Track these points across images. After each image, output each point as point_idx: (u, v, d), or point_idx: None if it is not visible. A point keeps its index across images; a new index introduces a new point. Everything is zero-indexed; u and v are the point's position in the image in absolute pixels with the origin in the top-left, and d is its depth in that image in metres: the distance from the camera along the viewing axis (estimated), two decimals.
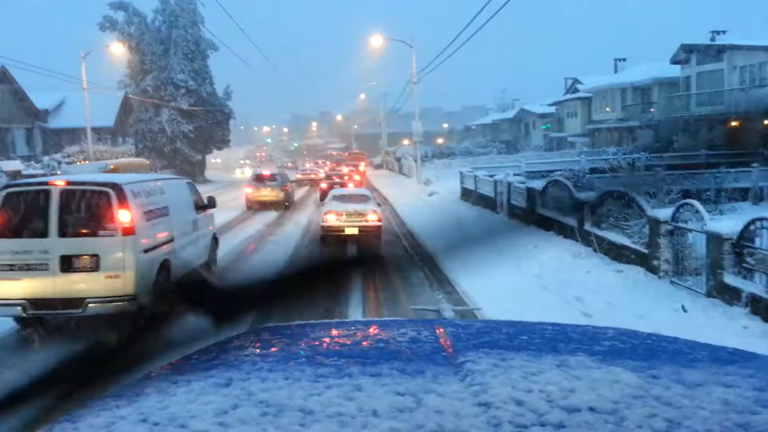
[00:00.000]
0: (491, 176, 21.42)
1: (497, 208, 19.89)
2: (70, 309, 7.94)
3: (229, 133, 58.74)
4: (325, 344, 1.58)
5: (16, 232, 7.96)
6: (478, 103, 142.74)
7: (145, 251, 8.44)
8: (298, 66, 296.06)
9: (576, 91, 49.62)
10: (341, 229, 15.71)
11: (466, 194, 25.02)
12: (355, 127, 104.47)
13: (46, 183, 8.32)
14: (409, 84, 40.07)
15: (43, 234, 7.91)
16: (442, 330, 1.62)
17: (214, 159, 74.80)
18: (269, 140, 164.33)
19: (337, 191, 18.74)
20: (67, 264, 7.89)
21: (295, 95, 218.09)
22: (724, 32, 34.31)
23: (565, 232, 13.64)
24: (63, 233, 7.93)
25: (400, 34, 37.30)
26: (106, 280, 7.93)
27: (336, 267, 2.40)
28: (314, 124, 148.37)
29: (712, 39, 34.38)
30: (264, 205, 25.86)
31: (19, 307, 7.87)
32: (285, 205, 26.59)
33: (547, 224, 15.02)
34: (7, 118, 40.49)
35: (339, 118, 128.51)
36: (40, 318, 8.40)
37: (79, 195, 8.10)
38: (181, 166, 49.62)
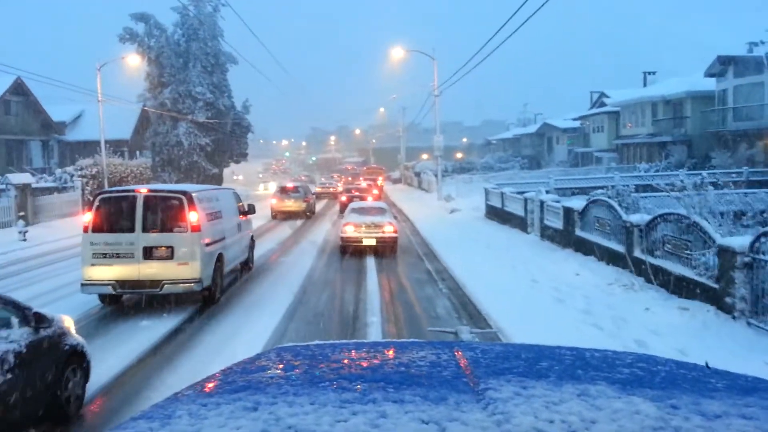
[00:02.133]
0: (520, 193, 20.06)
1: (528, 228, 18.49)
2: (150, 289, 9.99)
3: (247, 146, 58.09)
4: (346, 367, 1.60)
5: (108, 228, 9.99)
6: (497, 117, 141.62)
7: (207, 245, 10.47)
8: (317, 80, 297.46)
9: (602, 105, 48.07)
10: (359, 240, 16.50)
11: (492, 212, 23.63)
12: (374, 141, 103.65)
13: (132, 190, 10.42)
14: (430, 97, 38.97)
15: (130, 230, 9.93)
16: (461, 354, 1.65)
17: (235, 176, 74.31)
18: (287, 154, 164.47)
19: (356, 204, 19.59)
20: (149, 253, 9.92)
21: (314, 109, 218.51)
22: (762, 43, 32.66)
23: (609, 258, 12.21)
24: (145, 229, 9.97)
25: (420, 48, 36.16)
26: (178, 266, 9.95)
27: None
28: (332, 138, 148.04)
29: (749, 50, 32.75)
30: (287, 215, 28.01)
31: (110, 287, 9.94)
32: (307, 215, 28.75)
33: (586, 248, 13.59)
34: (22, 131, 40.14)
35: (357, 132, 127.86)
36: (119, 298, 10.57)
37: (158, 200, 10.18)
38: (197, 179, 48.83)
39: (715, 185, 13.24)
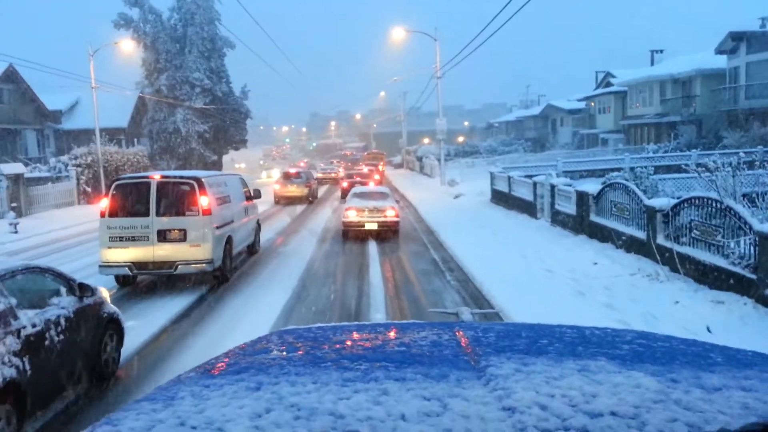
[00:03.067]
0: (528, 177, 19.24)
1: (537, 213, 17.70)
2: (164, 269, 10.49)
3: (246, 133, 57.21)
4: (348, 348, 1.63)
5: (124, 213, 10.40)
6: (498, 100, 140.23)
7: (217, 228, 10.92)
8: (317, 65, 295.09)
9: (608, 85, 46.98)
10: (361, 225, 16.59)
11: (498, 197, 22.82)
12: (375, 126, 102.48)
13: (147, 177, 10.77)
14: (432, 79, 37.98)
15: (145, 214, 10.37)
16: (462, 333, 1.67)
17: (237, 164, 73.53)
18: (287, 140, 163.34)
19: (358, 189, 19.46)
20: (163, 236, 10.38)
21: (314, 94, 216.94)
22: None
23: (629, 245, 11.43)
24: (159, 213, 10.42)
25: (420, 33, 35.06)
26: (191, 248, 10.42)
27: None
28: (333, 123, 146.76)
29: (762, 26, 31.66)
30: (290, 200, 28.78)
31: (127, 268, 10.41)
32: (309, 200, 29.46)
33: (602, 234, 12.81)
34: (15, 119, 39.26)
35: (358, 117, 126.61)
36: (134, 279, 11.20)
37: (171, 185, 10.63)
38: (196, 167, 48.02)
39: (750, 165, 12.34)
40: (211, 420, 1.11)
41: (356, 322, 3.02)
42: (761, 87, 29.20)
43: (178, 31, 50.84)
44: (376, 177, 36.13)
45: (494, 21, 19.27)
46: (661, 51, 44.11)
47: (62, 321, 5.65)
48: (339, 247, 15.96)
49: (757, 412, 1.04)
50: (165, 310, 9.65)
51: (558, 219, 15.77)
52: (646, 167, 15.83)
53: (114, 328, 6.79)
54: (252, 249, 14.68)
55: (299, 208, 26.97)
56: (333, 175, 46.95)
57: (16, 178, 25.92)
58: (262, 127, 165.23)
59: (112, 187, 10.79)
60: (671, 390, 1.14)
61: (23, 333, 5.00)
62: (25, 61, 32.46)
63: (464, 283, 11.13)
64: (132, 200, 10.55)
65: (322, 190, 37.70)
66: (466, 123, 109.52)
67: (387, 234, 16.94)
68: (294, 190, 29.11)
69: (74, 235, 20.38)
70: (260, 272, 12.83)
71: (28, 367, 4.92)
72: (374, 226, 16.58)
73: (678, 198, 10.33)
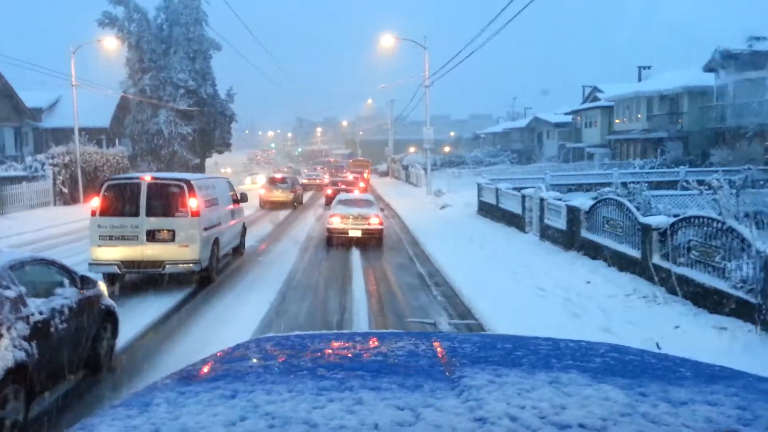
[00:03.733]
0: (517, 190, 18.88)
1: (525, 226, 17.31)
2: (152, 269, 10.61)
3: (230, 136, 56.41)
4: (325, 356, 1.63)
5: (115, 212, 10.55)
6: (485, 111, 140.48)
7: (205, 229, 11.10)
8: (304, 69, 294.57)
9: (595, 99, 47.05)
10: (345, 232, 16.55)
11: (486, 209, 22.44)
12: (361, 133, 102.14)
13: (137, 177, 11.03)
14: (419, 89, 37.68)
15: (135, 214, 10.51)
16: (438, 343, 1.68)
17: (224, 168, 72.59)
18: (273, 145, 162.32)
19: (343, 196, 19.51)
20: (152, 236, 10.51)
21: (301, 100, 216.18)
22: (764, 38, 31.73)
23: (622, 263, 11.04)
24: (149, 213, 10.55)
25: (409, 41, 34.72)
26: (179, 248, 10.54)
27: None
28: (319, 129, 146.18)
29: (750, 45, 31.80)
30: (275, 205, 28.74)
31: (116, 266, 10.48)
32: (294, 205, 29.61)
33: (594, 251, 12.42)
34: None
35: (344, 123, 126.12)
36: (122, 277, 11.03)
37: (161, 186, 10.79)
38: (178, 169, 47.12)
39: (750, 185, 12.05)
40: (185, 427, 1.12)
41: (335, 331, 2.88)
42: (748, 106, 29.25)
43: (164, 31, 50.07)
44: (361, 185, 36.08)
45: (484, 31, 19.14)
46: (649, 67, 44.29)
47: (66, 310, 5.94)
48: (322, 256, 15.44)
49: (719, 427, 1.08)
50: (150, 311, 9.64)
51: (547, 233, 15.38)
52: (639, 183, 15.49)
53: (110, 320, 7.10)
54: (237, 251, 14.94)
55: (284, 213, 26.92)
56: (318, 181, 47.32)
57: None
58: (247, 131, 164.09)
59: (104, 186, 10.92)
60: (639, 403, 1.16)
61: (32, 319, 5.31)
62: (2, 56, 31.56)
63: (452, 299, 10.65)
64: (122, 200, 10.74)
65: (306, 196, 37.55)
66: (452, 133, 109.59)
67: (371, 242, 16.84)
68: (279, 195, 29.23)
69: (47, 237, 19.60)
70: (242, 279, 12.63)
71: (35, 351, 5.19)
72: (358, 234, 16.53)
73: (675, 216, 9.96)
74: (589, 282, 10.43)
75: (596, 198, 12.83)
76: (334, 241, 16.83)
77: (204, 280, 11.40)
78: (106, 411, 1.27)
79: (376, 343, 1.82)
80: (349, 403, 1.16)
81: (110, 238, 10.54)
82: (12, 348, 4.88)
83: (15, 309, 5.13)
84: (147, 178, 10.94)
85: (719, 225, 8.45)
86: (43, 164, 31.49)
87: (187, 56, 49.65)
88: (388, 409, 1.13)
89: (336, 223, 16.68)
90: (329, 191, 30.82)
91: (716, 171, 26.78)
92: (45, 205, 29.81)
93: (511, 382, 1.26)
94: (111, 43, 36.80)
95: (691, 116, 34.43)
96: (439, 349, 1.62)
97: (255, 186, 42.31)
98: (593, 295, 9.58)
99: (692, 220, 9.14)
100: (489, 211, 21.76)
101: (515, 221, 18.29)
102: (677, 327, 7.70)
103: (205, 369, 1.54)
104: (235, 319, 9.10)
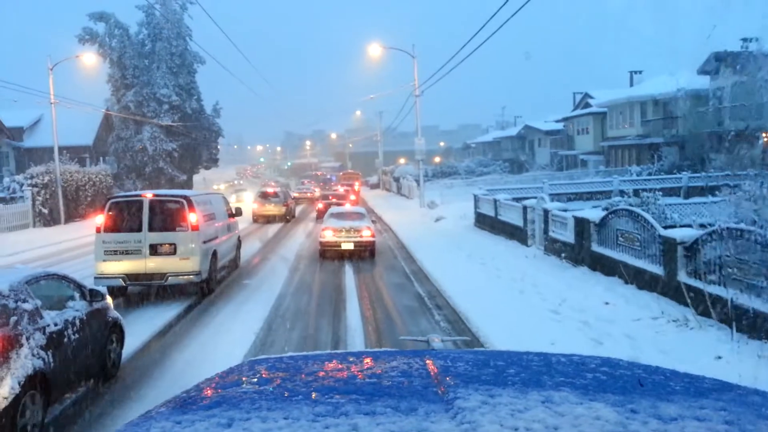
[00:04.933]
0: (516, 200, 17.97)
1: (527, 239, 16.37)
2: (156, 280, 11.11)
3: (217, 152, 55.37)
4: (319, 379, 1.62)
5: (119, 228, 11.05)
6: (474, 121, 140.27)
7: (204, 242, 11.58)
8: (291, 82, 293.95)
9: (587, 106, 46.46)
10: (338, 245, 16.62)
11: (483, 221, 21.50)
12: (350, 145, 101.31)
13: (139, 195, 11.61)
14: (409, 99, 36.86)
15: (138, 229, 11.02)
16: (431, 362, 1.69)
17: (216, 185, 71.38)
18: (262, 159, 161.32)
19: (335, 209, 19.50)
20: (154, 250, 10.99)
21: (289, 113, 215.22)
22: (756, 39, 31.20)
23: (641, 281, 10.09)
24: (151, 229, 11.06)
25: (397, 51, 33.90)
26: (180, 261, 11.02)
27: None
28: (308, 142, 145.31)
29: (744, 47, 31.25)
30: (268, 219, 29.27)
31: (120, 279, 11.03)
32: (287, 219, 30.04)
33: (607, 267, 11.47)
34: None
35: (333, 136, 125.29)
36: (125, 289, 11.63)
37: (162, 203, 11.32)
38: (164, 187, 45.93)
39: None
40: None
41: (328, 351, 2.90)
42: (746, 108, 28.62)
43: (146, 46, 49.05)
44: (352, 197, 35.65)
45: (473, 39, 18.66)
46: (640, 72, 43.79)
47: (77, 322, 6.31)
48: (314, 274, 14.41)
49: None
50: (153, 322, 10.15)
51: (553, 247, 14.44)
52: (653, 191, 14.57)
53: (117, 331, 7.46)
54: (233, 263, 15.32)
55: (277, 227, 27.31)
56: (309, 195, 47.68)
57: None
58: (236, 147, 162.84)
59: (107, 204, 11.49)
60: (630, 421, 1.17)
61: (47, 330, 5.64)
62: None
63: (456, 324, 9.66)
64: (126, 217, 11.28)
65: (298, 210, 37.00)
66: (441, 143, 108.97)
67: (364, 255, 16.81)
68: (272, 209, 29.52)
69: (25, 261, 18.42)
70: (242, 289, 13.23)
71: (51, 359, 5.53)
72: (351, 246, 16.57)
73: (702, 226, 9.03)
74: (607, 303, 9.46)
75: (607, 208, 11.92)
76: (327, 255, 16.79)
77: (204, 291, 12.00)
78: None
79: (370, 363, 1.82)
80: (344, 429, 1.16)
81: (115, 252, 11.10)
82: (31, 356, 5.26)
83: (32, 320, 5.52)
84: (149, 195, 11.55)
85: (758, 238, 7.52)
86: (21, 185, 30.29)
87: (171, 71, 48.63)
88: (390, 425, 1.13)
89: (329, 236, 16.67)
90: (320, 205, 30.72)
91: (718, 176, 26.12)
92: (24, 228, 28.61)
93: (504, 402, 1.27)
94: (91, 59, 35.70)
95: (687, 120, 33.78)
96: (432, 368, 1.62)
97: (241, 203, 41.33)
98: (615, 319, 8.61)
99: (724, 232, 8.21)
100: (487, 223, 20.82)
101: (516, 234, 17.36)
102: (719, 358, 6.73)
103: (200, 395, 1.52)
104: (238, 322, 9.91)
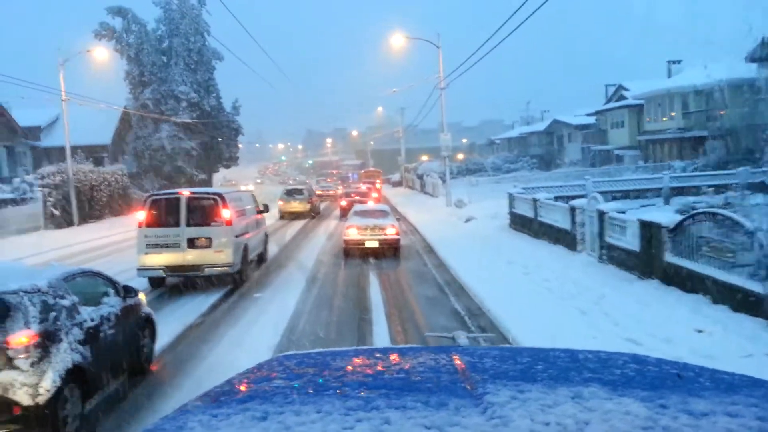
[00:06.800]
0: (557, 199, 16.10)
1: (577, 245, 14.47)
2: (193, 272, 12.26)
3: (237, 150, 54.05)
4: (349, 374, 1.65)
5: (158, 224, 12.26)
6: (496, 117, 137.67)
7: (237, 236, 12.68)
8: (312, 79, 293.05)
9: (621, 98, 44.11)
10: (362, 242, 16.53)
11: (520, 222, 19.62)
12: (371, 143, 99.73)
13: (176, 192, 12.93)
14: (433, 93, 35.07)
15: (176, 224, 12.23)
16: (458, 358, 1.70)
17: (245, 185, 70.42)
18: (284, 158, 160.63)
19: (359, 207, 19.69)
20: (191, 243, 12.16)
21: (310, 110, 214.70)
22: None
23: (736, 301, 8.19)
24: (189, 224, 12.25)
25: (421, 42, 32.08)
26: (215, 253, 12.17)
27: None
28: (329, 140, 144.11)
29: None
30: (294, 216, 29.89)
31: (161, 271, 12.29)
32: (312, 215, 30.68)
33: (685, 281, 9.56)
34: None
35: (354, 134, 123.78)
36: (163, 281, 12.86)
37: (198, 200, 12.53)
38: (183, 185, 44.74)
39: None
40: None
41: (354, 347, 2.94)
42: None
43: (164, 42, 47.93)
44: (375, 195, 35.07)
45: (499, 31, 17.52)
46: (679, 62, 41.26)
47: (112, 317, 6.48)
48: (335, 287, 12.76)
49: None
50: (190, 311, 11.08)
51: (611, 255, 12.52)
52: (745, 189, 12.58)
53: (149, 326, 7.66)
54: (261, 257, 15.92)
55: (302, 223, 27.93)
56: (331, 192, 47.66)
57: None
58: (258, 145, 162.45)
59: (148, 201, 12.49)
60: (660, 416, 1.16)
61: (84, 325, 5.89)
62: None
63: None
64: (165, 213, 12.22)
65: (320, 207, 35.90)
66: (464, 140, 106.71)
67: (390, 256, 16.58)
68: (297, 206, 30.24)
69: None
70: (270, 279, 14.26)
71: (88, 354, 5.75)
72: (375, 244, 16.48)
73: None
74: (701, 330, 7.58)
75: (683, 211, 10.05)
76: (351, 254, 16.76)
77: (236, 282, 12.80)
78: None
79: (398, 359, 1.81)
80: (377, 422, 1.16)
81: (156, 246, 12.00)
82: (69, 351, 5.45)
83: (70, 316, 5.71)
84: (186, 192, 12.60)
85: None
86: (32, 185, 29.18)
87: (188, 68, 47.46)
88: (415, 428, 1.13)
89: (353, 234, 16.64)
90: (344, 203, 30.71)
91: None
92: (35, 230, 27.44)
93: (533, 397, 1.26)
94: (104, 54, 34.46)
95: (734, 112, 31.40)
96: (459, 364, 1.63)
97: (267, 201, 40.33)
98: (716, 354, 6.74)
99: None
100: (525, 224, 18.94)
101: (562, 238, 15.47)
102: None
103: (233, 389, 1.55)
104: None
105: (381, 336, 9.09)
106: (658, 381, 1.45)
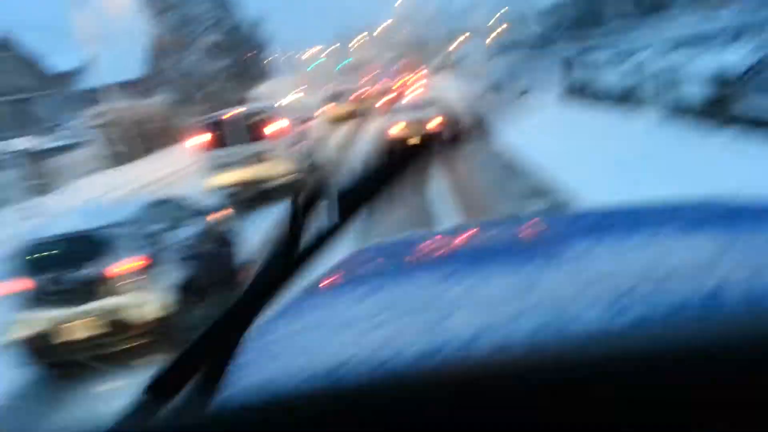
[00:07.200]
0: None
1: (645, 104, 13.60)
2: (262, 184, 12.79)
3: (267, 64, 53.20)
4: (437, 250, 1.79)
5: (221, 144, 12.90)
6: None
7: (294, 145, 13.50)
8: None
9: None
10: (406, 138, 15.70)
11: (579, 89, 18.66)
12: (404, 32, 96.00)
13: (230, 113, 13.41)
14: None
15: (237, 143, 12.83)
16: (540, 223, 1.87)
17: (287, 97, 69.55)
18: (323, 58, 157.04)
19: (401, 103, 19.20)
20: (254, 158, 12.78)
21: (337, 12, 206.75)
22: None
23: None
24: (249, 140, 12.88)
25: None
26: (277, 165, 12.83)
27: None
28: (355, 41, 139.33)
29: None
30: (341, 119, 30.57)
31: (231, 188, 12.79)
32: (357, 116, 30.76)
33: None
34: (18, 88, 36.35)
35: (388, 23, 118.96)
36: (235, 197, 12.40)
37: (252, 118, 13.09)
38: (221, 107, 44.72)
39: None
40: (353, 316, 1.23)
41: (435, 230, 3.05)
42: None
43: None
44: (419, 89, 34.52)
45: None
46: None
47: (201, 235, 6.97)
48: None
49: None
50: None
51: (681, 107, 11.70)
52: None
53: (229, 243, 7.97)
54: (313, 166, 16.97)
55: (349, 125, 28.49)
56: (368, 92, 44.01)
57: (25, 155, 23.35)
58: (290, 53, 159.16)
59: (206, 126, 13.24)
60: (730, 247, 1.16)
61: (180, 245, 6.42)
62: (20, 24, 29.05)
63: None
64: (224, 134, 12.87)
65: (362, 108, 35.53)
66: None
67: (437, 149, 15.88)
68: (342, 109, 31.65)
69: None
70: None
71: (189, 269, 6.29)
72: (418, 141, 14.80)
73: None
74: None
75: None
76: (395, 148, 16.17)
77: (298, 189, 12.77)
78: (268, 316, 1.29)
79: (481, 232, 1.93)
80: (474, 281, 1.26)
81: (223, 165, 12.74)
82: (173, 269, 6.07)
83: (166, 239, 6.26)
84: (239, 111, 13.42)
85: None
86: (85, 128, 29.77)
87: None
88: (510, 281, 1.21)
89: (395, 131, 16.20)
90: (388, 97, 31.40)
91: None
92: (97, 170, 28.19)
93: (610, 244, 1.30)
94: None
95: None
96: (542, 230, 1.74)
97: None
98: None
99: None
100: (583, 90, 18.02)
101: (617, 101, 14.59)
102: None
103: (333, 277, 1.61)
104: None
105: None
106: (732, 218, 1.44)
